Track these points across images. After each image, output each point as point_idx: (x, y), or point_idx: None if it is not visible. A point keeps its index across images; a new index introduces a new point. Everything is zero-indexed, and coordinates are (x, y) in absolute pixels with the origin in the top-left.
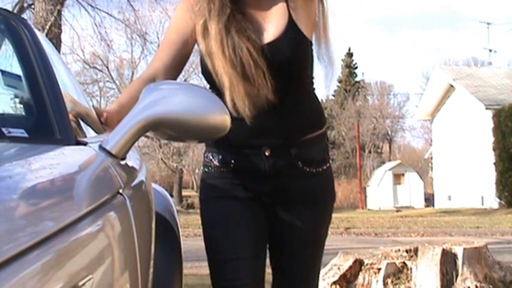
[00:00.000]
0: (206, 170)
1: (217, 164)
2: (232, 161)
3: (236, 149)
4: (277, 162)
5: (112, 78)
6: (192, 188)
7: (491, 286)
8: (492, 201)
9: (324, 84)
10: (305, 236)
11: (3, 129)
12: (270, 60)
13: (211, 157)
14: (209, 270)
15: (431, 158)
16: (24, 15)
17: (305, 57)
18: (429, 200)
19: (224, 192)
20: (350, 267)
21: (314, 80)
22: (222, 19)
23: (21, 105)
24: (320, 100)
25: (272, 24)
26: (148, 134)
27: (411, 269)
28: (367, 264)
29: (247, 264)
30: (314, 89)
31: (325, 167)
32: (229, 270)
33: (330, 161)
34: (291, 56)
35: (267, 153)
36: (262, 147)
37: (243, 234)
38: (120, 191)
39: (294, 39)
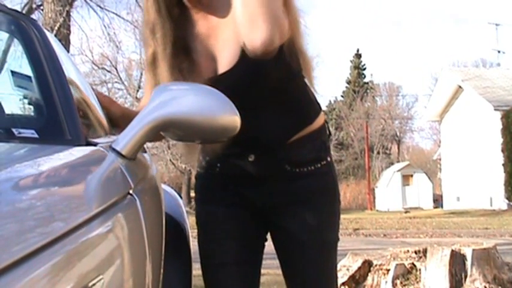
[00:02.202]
0: (198, 169)
1: (205, 165)
2: (218, 165)
3: (221, 154)
4: (263, 168)
5: (121, 79)
6: None
7: (500, 287)
8: (501, 202)
9: (307, 79)
10: (304, 238)
11: (14, 130)
12: (227, 89)
13: (201, 158)
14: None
15: (440, 159)
16: (33, 16)
17: (268, 72)
18: (438, 201)
19: (213, 196)
20: (359, 268)
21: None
22: (167, 54)
23: (31, 106)
24: (329, 100)
25: (225, 53)
26: None
27: (420, 270)
28: (376, 265)
29: (232, 271)
30: (299, 81)
31: (319, 165)
32: (214, 274)
33: (329, 159)
34: (248, 81)
35: (250, 159)
36: (246, 153)
37: (228, 241)
38: (130, 191)
39: (251, 64)
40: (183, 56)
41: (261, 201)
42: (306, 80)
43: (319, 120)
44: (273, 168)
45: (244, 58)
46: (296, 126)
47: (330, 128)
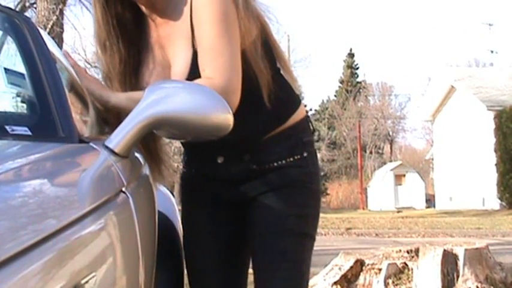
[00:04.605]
0: (182, 169)
1: (185, 165)
2: (194, 166)
3: (194, 156)
4: (232, 169)
5: None
6: None
7: (492, 287)
8: (493, 202)
9: (284, 73)
10: (269, 225)
11: (7, 127)
12: None
13: (182, 158)
14: None
15: (432, 159)
16: (26, 14)
17: None
18: (430, 200)
19: (193, 197)
20: (351, 267)
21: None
22: (117, 73)
23: (25, 103)
24: (322, 99)
25: (178, 61)
26: None
27: (412, 269)
28: (368, 265)
29: (212, 275)
30: (268, 80)
31: (291, 159)
32: (196, 278)
33: (305, 154)
34: None
35: (219, 161)
36: (215, 155)
37: (208, 244)
38: (123, 189)
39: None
40: (134, 77)
41: (235, 199)
42: (284, 74)
43: (296, 117)
44: (242, 169)
45: (196, 65)
46: (265, 128)
47: (313, 124)
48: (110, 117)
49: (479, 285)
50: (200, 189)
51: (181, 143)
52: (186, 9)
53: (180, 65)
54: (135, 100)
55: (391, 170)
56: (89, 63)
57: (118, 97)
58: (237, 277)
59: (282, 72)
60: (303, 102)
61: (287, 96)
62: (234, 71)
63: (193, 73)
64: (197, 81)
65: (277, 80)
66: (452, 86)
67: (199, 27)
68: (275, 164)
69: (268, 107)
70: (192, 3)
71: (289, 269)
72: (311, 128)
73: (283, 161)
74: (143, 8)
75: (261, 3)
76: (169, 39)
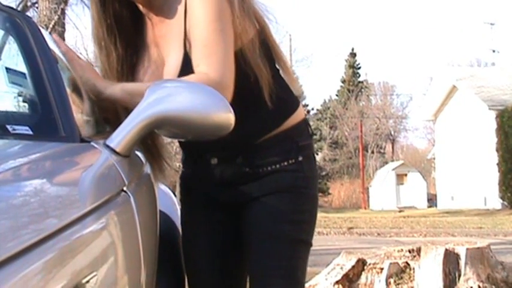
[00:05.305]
0: (182, 168)
1: (183, 165)
2: (191, 166)
3: (191, 156)
4: (225, 171)
5: None
6: None
7: (493, 286)
8: (495, 201)
9: (283, 74)
10: (261, 229)
11: (8, 127)
12: None
13: (181, 158)
14: None
15: (434, 159)
16: (28, 14)
17: None
18: (432, 200)
19: (190, 197)
20: (353, 266)
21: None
22: (114, 74)
23: (26, 103)
24: (323, 99)
25: (170, 60)
26: None
27: (414, 269)
28: (369, 264)
29: (208, 276)
30: (264, 82)
31: (285, 163)
32: (194, 279)
33: (300, 158)
34: None
35: (213, 162)
36: (209, 156)
37: (205, 244)
38: (124, 188)
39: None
40: (131, 76)
41: (231, 201)
42: (283, 75)
43: (293, 119)
44: (235, 172)
45: (187, 64)
46: (265, 128)
47: (315, 124)
48: (111, 116)
49: (480, 284)
50: (197, 189)
51: (179, 142)
52: (181, 9)
53: (171, 64)
54: (129, 92)
55: (393, 169)
56: (90, 63)
57: (113, 88)
58: (237, 277)
59: (281, 73)
60: (305, 101)
61: (286, 98)
62: (227, 68)
63: (184, 73)
64: (191, 76)
65: (277, 80)
66: (454, 86)
67: (194, 26)
68: (269, 168)
69: (269, 107)
70: (187, 2)
71: (283, 276)
72: (309, 131)
73: (277, 165)
74: (140, 7)
75: (260, 3)
76: (165, 38)
